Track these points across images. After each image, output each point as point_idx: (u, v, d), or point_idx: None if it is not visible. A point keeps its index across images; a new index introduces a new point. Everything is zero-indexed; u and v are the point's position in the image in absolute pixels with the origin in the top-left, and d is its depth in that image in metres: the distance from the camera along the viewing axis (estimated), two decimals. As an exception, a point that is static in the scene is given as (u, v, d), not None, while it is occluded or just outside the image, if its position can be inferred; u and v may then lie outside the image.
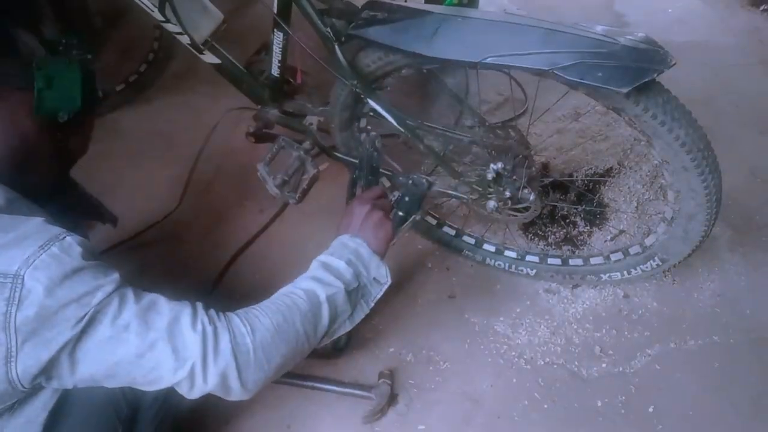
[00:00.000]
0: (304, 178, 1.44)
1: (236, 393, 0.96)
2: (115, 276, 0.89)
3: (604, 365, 1.51)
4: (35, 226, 0.87)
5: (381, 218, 1.20)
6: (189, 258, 1.78)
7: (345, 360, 1.52)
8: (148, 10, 1.39)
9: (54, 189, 1.10)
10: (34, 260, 0.81)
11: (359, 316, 1.14)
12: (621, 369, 1.50)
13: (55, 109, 1.00)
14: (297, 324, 1.00)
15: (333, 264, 1.11)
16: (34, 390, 0.90)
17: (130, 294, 0.89)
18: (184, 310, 0.92)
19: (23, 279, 0.80)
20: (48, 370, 0.84)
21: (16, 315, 0.79)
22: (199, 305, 0.96)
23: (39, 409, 0.93)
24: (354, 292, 1.11)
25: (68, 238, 0.86)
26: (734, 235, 1.79)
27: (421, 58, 1.19)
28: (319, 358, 1.49)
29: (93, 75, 1.10)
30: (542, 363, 1.52)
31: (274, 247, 1.79)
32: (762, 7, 2.97)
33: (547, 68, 1.06)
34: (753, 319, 1.59)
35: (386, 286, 1.17)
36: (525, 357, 1.53)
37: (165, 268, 1.73)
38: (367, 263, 1.14)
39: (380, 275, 1.15)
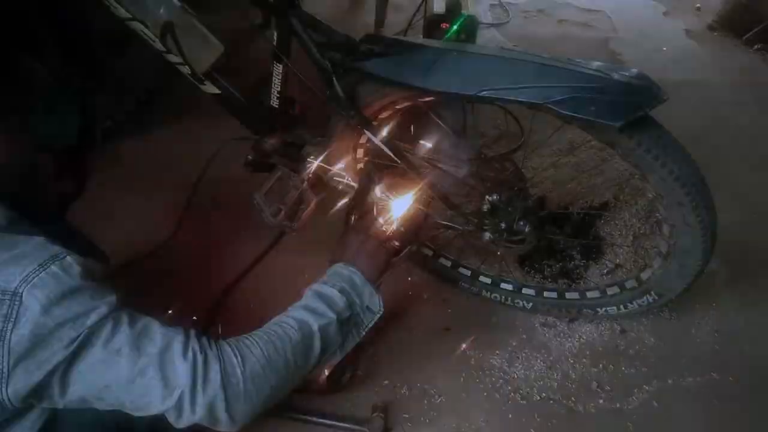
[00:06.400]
0: (300, 208, 1.45)
1: (224, 424, 0.94)
2: (112, 298, 0.89)
3: (601, 401, 1.48)
4: (36, 244, 0.86)
5: (376, 247, 1.20)
6: (185, 286, 1.77)
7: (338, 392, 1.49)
8: (150, 41, 1.41)
9: (49, 222, 1.09)
10: (33, 278, 0.81)
11: (350, 345, 1.13)
12: (618, 405, 1.47)
13: (49, 138, 1.00)
14: (288, 355, 0.99)
15: (326, 293, 1.10)
16: (25, 408, 0.88)
17: (124, 317, 0.88)
18: (177, 337, 0.91)
19: (21, 296, 0.80)
20: (39, 391, 0.83)
21: (11, 334, 0.79)
22: (192, 332, 0.95)
23: (27, 428, 0.91)
24: (346, 322, 1.10)
25: (68, 258, 0.86)
26: (732, 272, 1.78)
27: (417, 90, 1.21)
28: (317, 393, 1.46)
29: (93, 110, 1.10)
30: (538, 398, 1.49)
31: (270, 277, 1.78)
32: (755, 47, 3.03)
33: (540, 102, 1.07)
34: (752, 356, 1.57)
35: (379, 316, 1.16)
36: (521, 392, 1.50)
37: (161, 295, 1.71)
38: (360, 292, 1.13)
39: (373, 304, 1.15)
